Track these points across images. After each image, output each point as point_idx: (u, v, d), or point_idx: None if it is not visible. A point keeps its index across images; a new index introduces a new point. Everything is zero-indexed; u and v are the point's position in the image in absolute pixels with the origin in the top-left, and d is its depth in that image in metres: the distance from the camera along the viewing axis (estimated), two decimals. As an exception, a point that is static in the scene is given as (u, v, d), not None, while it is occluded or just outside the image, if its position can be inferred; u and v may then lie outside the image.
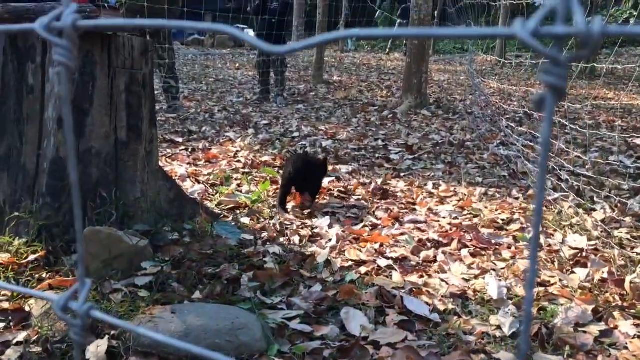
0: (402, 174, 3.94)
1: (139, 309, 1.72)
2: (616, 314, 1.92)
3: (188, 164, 3.89)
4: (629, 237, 2.62)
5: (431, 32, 0.36)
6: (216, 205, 2.91)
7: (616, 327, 1.84)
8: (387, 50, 16.17)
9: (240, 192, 3.21)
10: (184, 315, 1.60)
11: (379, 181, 3.69)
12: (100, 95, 2.11)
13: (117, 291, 1.88)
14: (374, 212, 3.09)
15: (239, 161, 4.04)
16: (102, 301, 1.79)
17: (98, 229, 1.98)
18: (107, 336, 1.58)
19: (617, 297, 2.03)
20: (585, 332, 1.80)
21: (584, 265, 2.31)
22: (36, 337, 1.62)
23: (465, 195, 3.40)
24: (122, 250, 1.98)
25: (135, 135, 2.23)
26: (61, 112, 2.10)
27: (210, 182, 3.42)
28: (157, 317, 1.59)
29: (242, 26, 16.52)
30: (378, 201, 3.28)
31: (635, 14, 13.61)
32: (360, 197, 3.34)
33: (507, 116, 5.70)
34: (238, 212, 2.88)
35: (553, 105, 0.28)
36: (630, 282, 2.08)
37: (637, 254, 2.40)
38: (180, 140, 4.68)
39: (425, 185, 3.64)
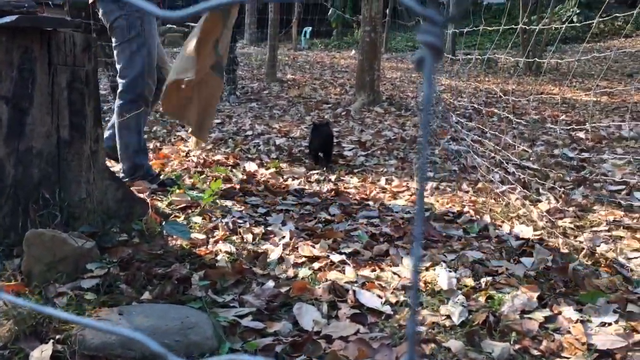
0: (355, 170, 3.97)
1: (84, 312, 1.67)
2: (560, 300, 1.99)
3: (138, 164, 3.80)
4: (572, 226, 2.72)
5: None
6: (167, 205, 2.85)
7: (560, 313, 1.90)
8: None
9: (193, 191, 3.16)
10: (132, 316, 1.56)
11: (333, 177, 3.70)
12: (40, 93, 2.03)
13: (62, 294, 1.82)
14: (327, 208, 3.10)
15: (190, 160, 3.98)
16: (47, 305, 1.73)
17: (41, 231, 1.92)
18: (51, 340, 1.53)
19: (560, 284, 2.10)
20: (530, 318, 1.86)
21: (530, 255, 2.38)
22: (-24, 345, 1.55)
23: (417, 189, 3.45)
24: (67, 252, 1.92)
25: (79, 134, 2.16)
26: (-1, 111, 2.02)
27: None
28: (104, 319, 1.55)
29: (192, 24, 16.31)
30: (332, 197, 3.29)
31: (577, 11, 14.13)
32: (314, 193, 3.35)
33: (457, 112, 5.82)
34: (190, 211, 2.84)
35: (432, 64, 0.29)
36: (573, 269, 2.16)
37: (580, 242, 2.49)
38: (130, 140, 4.56)
39: (378, 180, 3.68)
